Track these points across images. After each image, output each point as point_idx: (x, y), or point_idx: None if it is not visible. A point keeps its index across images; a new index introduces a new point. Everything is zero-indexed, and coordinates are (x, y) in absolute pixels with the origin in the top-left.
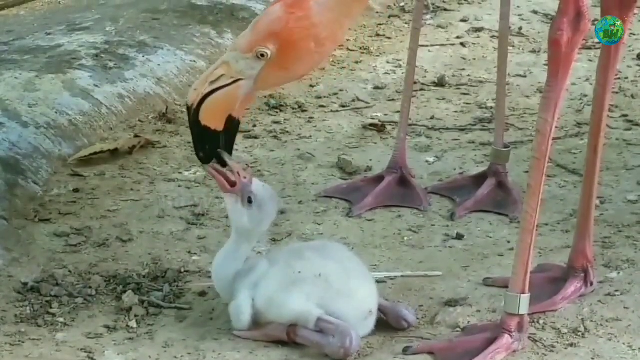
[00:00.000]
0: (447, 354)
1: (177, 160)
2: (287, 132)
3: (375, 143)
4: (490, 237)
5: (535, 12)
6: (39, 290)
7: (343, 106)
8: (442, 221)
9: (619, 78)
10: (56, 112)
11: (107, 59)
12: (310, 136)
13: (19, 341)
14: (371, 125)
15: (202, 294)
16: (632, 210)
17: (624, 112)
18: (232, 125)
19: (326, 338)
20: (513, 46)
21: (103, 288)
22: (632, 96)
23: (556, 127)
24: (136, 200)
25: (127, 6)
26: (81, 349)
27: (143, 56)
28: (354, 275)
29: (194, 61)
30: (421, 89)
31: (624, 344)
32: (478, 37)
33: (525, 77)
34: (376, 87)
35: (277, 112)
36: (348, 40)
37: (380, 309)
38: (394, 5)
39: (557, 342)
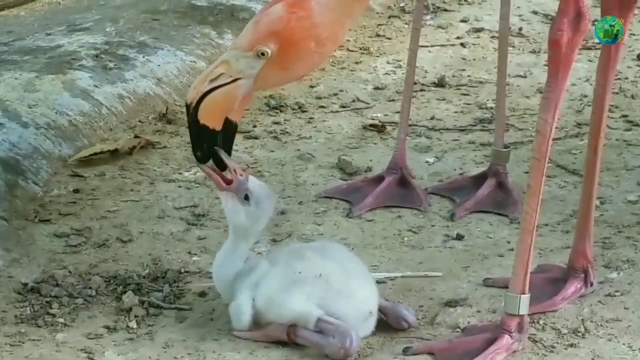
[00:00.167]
0: (447, 355)
1: (177, 161)
2: (287, 132)
3: (375, 143)
4: (490, 238)
5: (535, 13)
6: (39, 291)
7: (343, 107)
8: (442, 221)
9: (619, 78)
10: (56, 113)
11: (107, 60)
12: (310, 137)
13: (19, 342)
14: (371, 125)
15: (202, 294)
16: (632, 210)
17: (624, 112)
18: (230, 128)
19: (326, 338)
20: (513, 46)
21: (103, 288)
22: (632, 96)
23: (556, 128)
24: (136, 201)
25: (127, 7)
26: (81, 350)
27: (143, 57)
28: (354, 275)
29: (194, 62)
30: (421, 90)
31: (624, 344)
32: (478, 37)
33: (525, 77)
34: (376, 88)
35: (277, 113)
36: (348, 40)
37: (381, 310)
38: (394, 5)
39: (557, 343)
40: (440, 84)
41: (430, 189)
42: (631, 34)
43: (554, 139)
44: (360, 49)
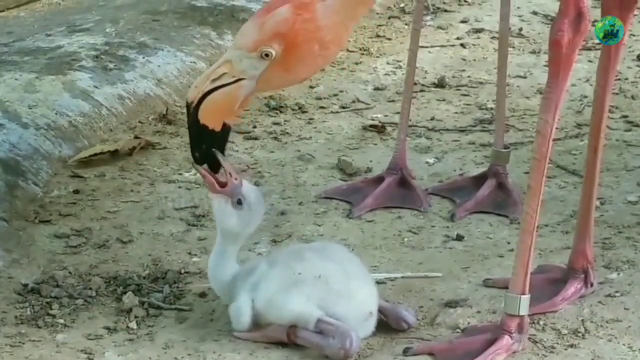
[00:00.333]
0: (448, 355)
1: (177, 162)
2: (287, 133)
3: (375, 144)
4: (491, 238)
5: (535, 13)
6: (39, 292)
7: (343, 107)
8: (442, 222)
9: (619, 79)
10: (56, 114)
11: (107, 60)
12: (311, 137)
13: (19, 342)
14: (371, 126)
15: (202, 295)
16: (632, 211)
17: (624, 113)
18: (224, 129)
19: (326, 339)
20: (513, 47)
21: (103, 289)
22: (632, 97)
23: (556, 128)
24: (136, 202)
25: (127, 7)
26: (81, 350)
27: (143, 57)
28: (354, 276)
29: (194, 62)
30: (421, 90)
31: (624, 345)
32: (478, 38)
33: (525, 78)
34: (376, 88)
35: (277, 113)
36: (348, 41)
37: (381, 310)
38: (394, 6)
39: (557, 343)
40: (440, 84)
41: (430, 190)
42: (631, 35)
43: (554, 140)
44: (360, 49)
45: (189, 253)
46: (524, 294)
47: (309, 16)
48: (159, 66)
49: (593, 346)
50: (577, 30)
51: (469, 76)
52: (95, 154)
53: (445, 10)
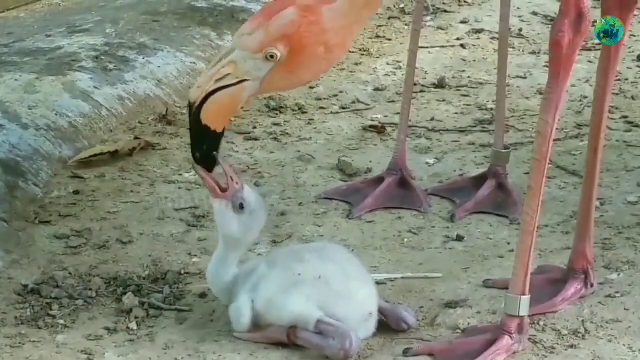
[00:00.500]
0: (448, 356)
1: (177, 162)
2: (287, 133)
3: (375, 145)
4: (491, 239)
5: (535, 14)
6: (39, 292)
7: (343, 108)
8: (442, 223)
9: (619, 79)
10: (56, 114)
11: (107, 61)
12: (310, 138)
13: (19, 343)
14: (371, 126)
15: (203, 295)
16: (632, 211)
17: (624, 113)
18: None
19: (326, 340)
20: (513, 48)
21: (103, 290)
22: (632, 98)
23: (556, 129)
24: (136, 202)
25: (127, 8)
26: (81, 351)
27: (143, 58)
28: (354, 277)
29: (194, 63)
30: (421, 91)
31: (624, 345)
32: (478, 38)
33: (525, 78)
34: (376, 89)
35: (277, 114)
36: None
37: (381, 311)
38: (394, 6)
39: (558, 344)
40: (440, 85)
41: (430, 190)
42: (631, 35)
43: (554, 140)
44: (360, 50)
45: (189, 254)
46: (524, 294)
47: (314, 19)
48: (159, 67)
49: (593, 347)
50: (578, 31)
51: (469, 77)
52: (96, 155)
53: (445, 11)
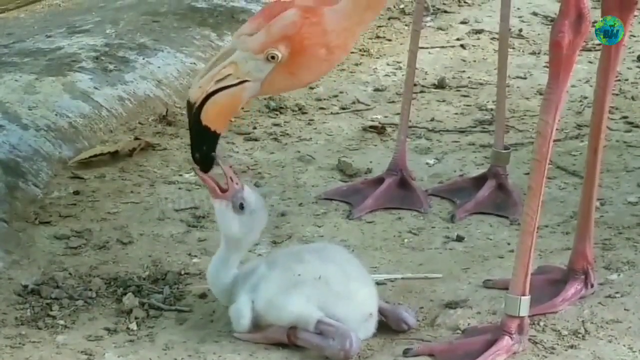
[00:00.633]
0: (448, 356)
1: (177, 163)
2: (287, 134)
3: (375, 145)
4: (491, 239)
5: (535, 14)
6: (39, 293)
7: (343, 108)
8: (442, 223)
9: (619, 80)
10: (56, 115)
11: (107, 62)
12: (311, 138)
13: (20, 344)
14: (371, 127)
15: (203, 296)
16: (632, 212)
17: (624, 113)
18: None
19: (326, 340)
20: (513, 48)
21: (103, 290)
22: (632, 98)
23: (556, 129)
24: (136, 203)
25: (127, 9)
26: (81, 352)
27: (143, 58)
28: (354, 277)
29: (194, 63)
30: (421, 91)
31: (624, 345)
32: (478, 39)
33: (525, 78)
34: (376, 89)
35: (277, 115)
36: None
37: (381, 311)
38: (394, 7)
39: (558, 344)
40: (440, 85)
41: (430, 191)
42: (631, 35)
43: (554, 141)
44: (360, 50)
45: (189, 254)
46: (524, 294)
47: (316, 20)
48: (159, 67)
49: (593, 347)
50: (578, 32)
51: (469, 77)
52: (95, 155)
53: (445, 11)
